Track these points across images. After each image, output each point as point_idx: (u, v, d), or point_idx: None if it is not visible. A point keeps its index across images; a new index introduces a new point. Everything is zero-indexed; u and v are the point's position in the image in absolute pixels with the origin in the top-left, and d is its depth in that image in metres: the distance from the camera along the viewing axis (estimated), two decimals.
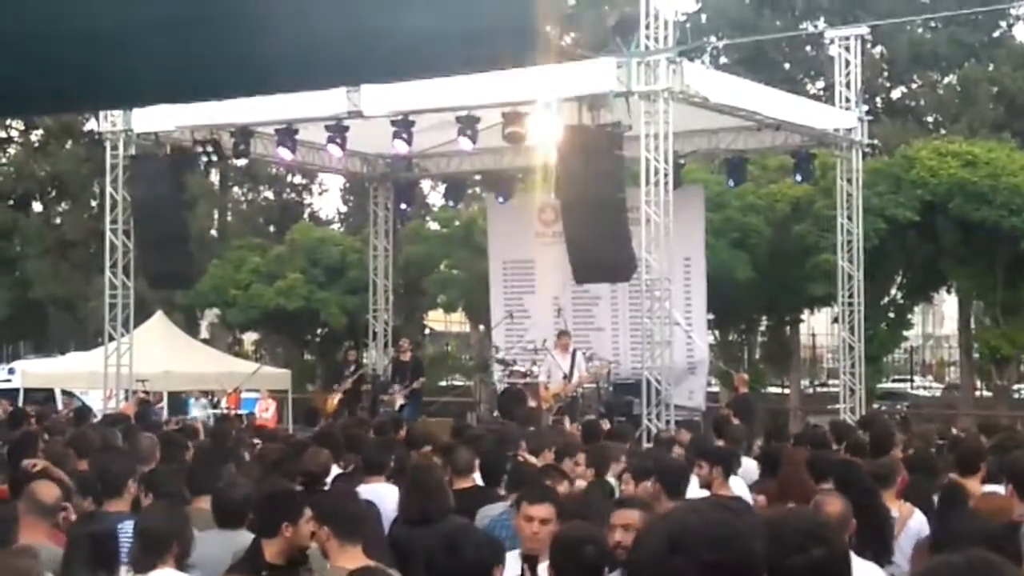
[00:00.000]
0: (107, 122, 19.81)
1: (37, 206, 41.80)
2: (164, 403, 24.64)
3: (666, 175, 16.52)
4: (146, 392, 21.60)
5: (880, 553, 5.88)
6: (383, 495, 7.90)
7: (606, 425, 13.76)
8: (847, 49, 20.74)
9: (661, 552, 2.54)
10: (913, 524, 7.39)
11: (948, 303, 39.75)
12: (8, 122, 39.79)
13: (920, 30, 39.34)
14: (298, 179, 43.62)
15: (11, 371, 26.70)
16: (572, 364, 18.27)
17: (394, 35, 3.31)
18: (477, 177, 26.75)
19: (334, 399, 20.64)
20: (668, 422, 16.15)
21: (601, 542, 4.88)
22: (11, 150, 42.13)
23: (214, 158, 19.96)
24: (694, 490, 8.16)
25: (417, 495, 7.13)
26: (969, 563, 2.51)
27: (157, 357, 22.69)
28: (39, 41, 3.36)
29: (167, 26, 3.28)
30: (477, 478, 8.26)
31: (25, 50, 3.39)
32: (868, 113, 21.67)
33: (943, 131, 34.70)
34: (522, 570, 5.38)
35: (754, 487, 8.91)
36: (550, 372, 18.38)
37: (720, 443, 11.44)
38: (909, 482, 8.13)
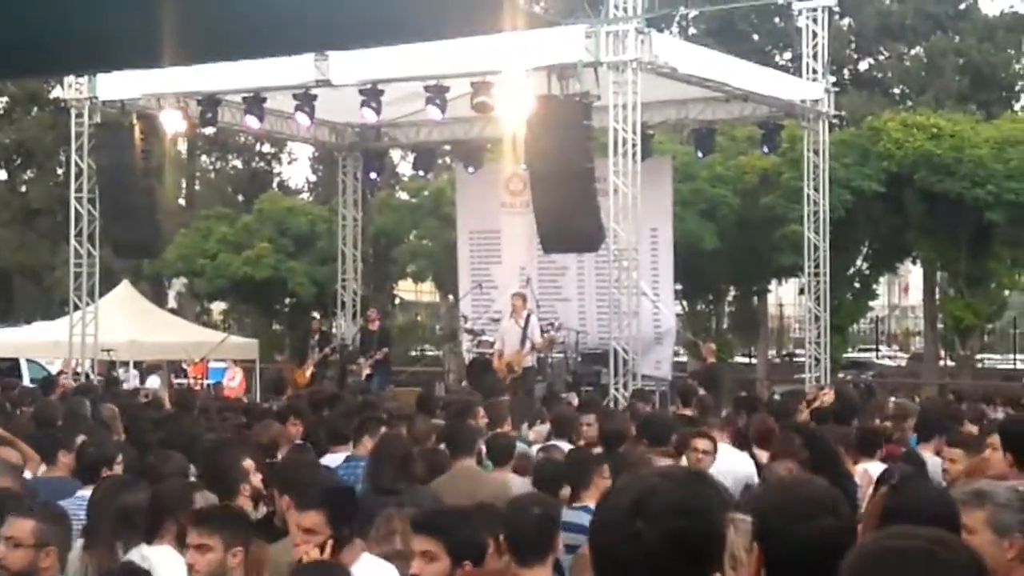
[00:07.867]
0: (72, 89, 19.55)
1: (2, 174, 41.43)
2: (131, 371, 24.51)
3: (634, 146, 16.55)
4: (112, 363, 21.49)
5: None
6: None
7: (575, 399, 13.77)
8: (814, 20, 20.77)
9: (625, 514, 2.41)
10: None
11: (914, 273, 40.07)
12: None
13: (887, 2, 39.49)
14: (267, 148, 43.38)
15: None
16: (525, 330, 17.64)
17: None
18: (447, 147, 26.68)
19: (305, 371, 20.43)
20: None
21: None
22: None
23: (181, 126, 19.81)
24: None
25: (385, 464, 7.17)
26: (928, 546, 2.34)
27: (123, 327, 22.59)
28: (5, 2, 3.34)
29: None
30: None
31: None
32: (835, 84, 21.74)
33: (909, 103, 34.90)
34: None
35: None
36: (503, 337, 17.93)
37: (687, 412, 11.57)
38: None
